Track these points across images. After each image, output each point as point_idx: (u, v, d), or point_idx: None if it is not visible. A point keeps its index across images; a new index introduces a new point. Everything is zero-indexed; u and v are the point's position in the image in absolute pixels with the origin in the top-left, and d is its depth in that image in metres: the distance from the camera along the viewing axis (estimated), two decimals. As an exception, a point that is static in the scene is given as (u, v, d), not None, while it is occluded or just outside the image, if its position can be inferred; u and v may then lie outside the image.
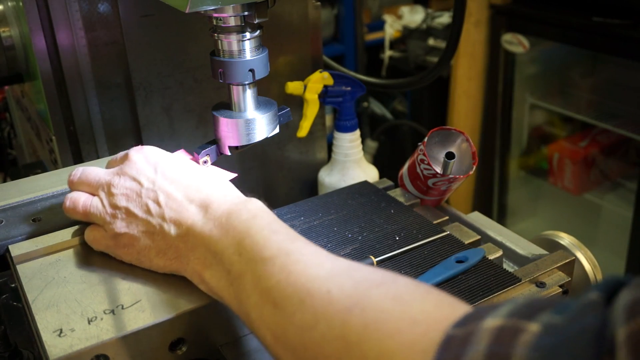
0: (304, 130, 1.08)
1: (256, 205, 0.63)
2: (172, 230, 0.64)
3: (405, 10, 2.79)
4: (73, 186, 0.73)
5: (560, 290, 0.76)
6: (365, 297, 0.49)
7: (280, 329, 0.53)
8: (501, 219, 2.65)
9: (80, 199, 0.71)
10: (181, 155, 0.79)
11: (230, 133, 0.80)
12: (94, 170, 0.72)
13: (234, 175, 0.82)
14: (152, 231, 0.65)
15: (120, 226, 0.67)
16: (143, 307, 0.62)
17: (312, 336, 0.50)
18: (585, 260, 0.82)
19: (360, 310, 0.48)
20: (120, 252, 0.68)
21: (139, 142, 1.00)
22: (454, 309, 0.46)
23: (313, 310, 0.50)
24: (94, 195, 0.70)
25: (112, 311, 0.62)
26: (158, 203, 0.65)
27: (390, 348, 0.44)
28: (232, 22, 0.73)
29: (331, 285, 0.51)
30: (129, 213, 0.67)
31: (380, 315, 0.47)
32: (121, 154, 0.74)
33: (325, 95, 1.08)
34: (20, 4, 0.91)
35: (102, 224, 0.69)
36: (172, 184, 0.67)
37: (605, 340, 0.34)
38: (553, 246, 0.85)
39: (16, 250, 0.70)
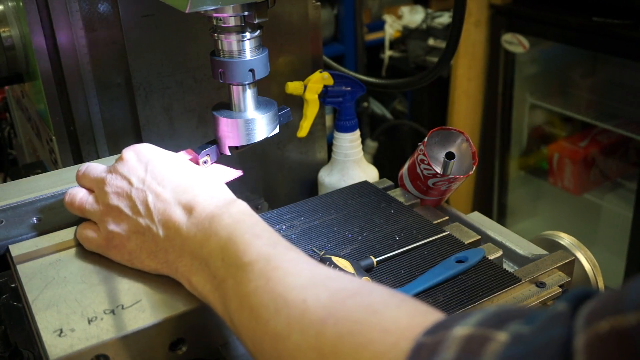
0: (304, 130, 1.08)
1: (239, 209, 0.63)
2: (160, 231, 0.64)
3: (405, 10, 2.79)
4: (78, 180, 0.73)
5: (560, 290, 0.76)
6: (340, 308, 0.49)
7: (257, 337, 0.53)
8: (501, 219, 2.65)
9: (78, 195, 0.71)
10: (182, 154, 0.79)
11: (230, 133, 0.80)
12: (95, 167, 0.72)
13: (239, 173, 0.82)
14: (141, 232, 0.65)
15: (111, 225, 0.67)
16: (143, 307, 0.62)
17: (286, 345, 0.50)
18: (585, 260, 0.82)
19: (335, 321, 0.48)
20: (112, 253, 0.68)
21: (139, 142, 1.00)
22: (426, 317, 0.46)
23: (288, 319, 0.51)
24: (92, 191, 0.71)
25: (112, 311, 0.62)
26: (146, 204, 0.65)
27: (364, 359, 0.45)
28: (232, 22, 0.73)
29: (307, 295, 0.51)
30: (119, 212, 0.67)
31: (353, 326, 0.47)
32: None
33: (325, 95, 1.08)
34: (20, 4, 0.91)
35: (96, 221, 0.69)
36: (161, 184, 0.66)
37: (571, 350, 0.35)
38: (553, 246, 0.85)
39: (16, 250, 0.70)
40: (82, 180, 0.73)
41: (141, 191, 0.66)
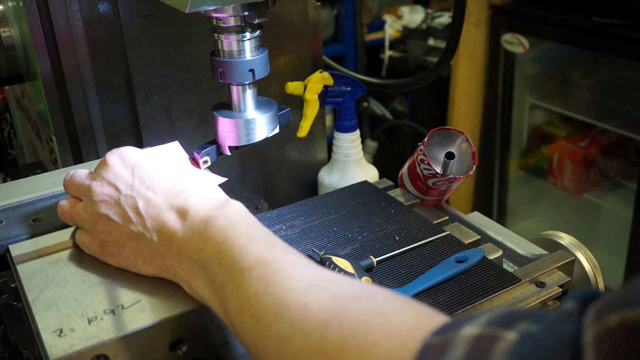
0: (304, 130, 1.08)
1: (234, 210, 0.62)
2: (154, 237, 0.63)
3: (405, 10, 2.79)
4: (65, 190, 0.72)
5: (560, 290, 0.76)
6: (343, 311, 0.49)
7: (259, 341, 0.52)
8: (501, 219, 2.65)
9: (67, 206, 0.70)
10: (169, 146, 0.78)
11: (230, 133, 0.80)
12: (79, 174, 0.71)
13: (224, 179, 0.81)
14: (135, 239, 0.64)
15: (103, 234, 0.66)
16: (143, 307, 0.62)
17: (290, 349, 0.50)
18: (585, 260, 0.82)
19: (338, 324, 0.48)
20: (108, 259, 0.68)
21: (139, 142, 1.00)
22: (432, 319, 0.46)
23: (290, 323, 0.50)
24: (81, 199, 0.70)
25: (112, 311, 0.62)
26: (137, 211, 0.64)
27: None
28: (232, 22, 0.73)
29: (309, 298, 0.51)
30: (108, 221, 0.65)
31: (357, 329, 0.47)
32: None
33: (325, 95, 1.08)
34: (20, 4, 0.91)
35: (89, 230, 0.69)
36: (150, 188, 0.65)
37: (580, 346, 0.35)
38: (553, 246, 0.85)
39: (16, 250, 0.70)
40: (69, 189, 0.71)
41: (130, 197, 0.65)
